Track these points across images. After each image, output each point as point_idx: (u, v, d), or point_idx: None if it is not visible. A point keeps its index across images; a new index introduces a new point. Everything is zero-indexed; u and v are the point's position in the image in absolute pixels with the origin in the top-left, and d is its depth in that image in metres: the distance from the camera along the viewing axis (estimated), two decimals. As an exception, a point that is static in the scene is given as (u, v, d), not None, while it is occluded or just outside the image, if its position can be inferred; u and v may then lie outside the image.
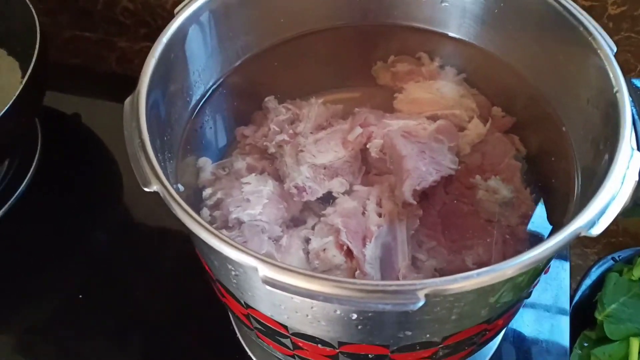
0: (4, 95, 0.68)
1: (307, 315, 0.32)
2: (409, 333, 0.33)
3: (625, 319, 0.57)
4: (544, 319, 0.52)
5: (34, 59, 0.61)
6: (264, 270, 0.28)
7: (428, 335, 0.33)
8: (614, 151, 0.32)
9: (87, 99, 0.82)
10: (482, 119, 0.48)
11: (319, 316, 0.32)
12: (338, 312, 0.31)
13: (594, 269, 0.63)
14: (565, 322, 0.51)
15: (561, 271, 0.55)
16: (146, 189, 0.31)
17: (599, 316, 0.57)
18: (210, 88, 0.47)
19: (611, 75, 0.36)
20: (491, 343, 0.51)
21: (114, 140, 0.74)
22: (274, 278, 0.27)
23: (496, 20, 0.46)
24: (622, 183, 0.30)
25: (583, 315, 0.59)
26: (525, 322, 0.52)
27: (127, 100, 0.36)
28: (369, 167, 0.46)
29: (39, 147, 0.73)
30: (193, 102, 0.45)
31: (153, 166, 0.32)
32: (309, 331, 0.34)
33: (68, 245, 0.63)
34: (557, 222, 0.43)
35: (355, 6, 0.50)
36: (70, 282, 0.60)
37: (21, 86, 0.60)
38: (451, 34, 0.50)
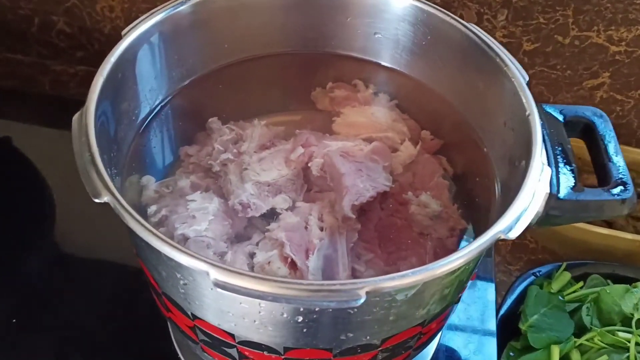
0: None
1: (255, 321, 0.34)
2: (351, 335, 0.35)
3: (546, 328, 0.61)
4: (473, 337, 0.57)
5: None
6: (215, 274, 0.29)
7: (368, 337, 0.36)
8: (527, 167, 0.36)
9: (18, 123, 0.81)
10: (413, 142, 0.52)
11: (266, 321, 0.34)
12: (285, 315, 0.32)
13: (516, 284, 0.67)
14: (492, 341, 0.57)
15: (488, 292, 0.61)
16: (97, 200, 0.32)
17: (522, 327, 0.62)
18: (156, 107, 0.48)
19: (524, 101, 0.41)
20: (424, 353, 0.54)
21: (46, 163, 0.73)
22: (226, 281, 0.29)
23: (424, 51, 0.51)
24: (535, 194, 0.35)
25: (509, 328, 0.64)
26: (456, 341, 0.57)
27: (75, 117, 0.37)
28: (310, 185, 0.48)
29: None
30: (139, 120, 0.47)
31: (103, 178, 0.33)
32: (256, 338, 0.36)
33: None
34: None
35: (295, 35, 0.53)
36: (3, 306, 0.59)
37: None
38: (384, 63, 0.54)
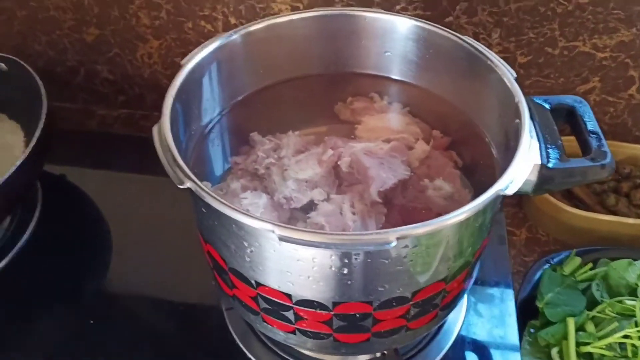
0: (7, 155, 0.75)
1: (309, 277, 0.42)
2: (387, 286, 0.42)
3: (561, 304, 0.67)
4: (494, 319, 0.65)
5: (39, 127, 0.67)
6: (279, 231, 0.37)
7: (400, 289, 0.43)
8: (519, 141, 0.45)
9: (71, 161, 0.90)
10: (425, 140, 0.60)
11: (318, 276, 0.41)
12: (332, 267, 0.40)
13: (532, 271, 0.74)
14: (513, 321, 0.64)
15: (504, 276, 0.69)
16: (181, 187, 0.41)
17: (539, 304, 0.68)
18: (208, 124, 0.58)
19: (513, 92, 0.49)
20: (448, 330, 0.61)
21: (101, 196, 0.83)
22: (288, 235, 0.37)
23: (428, 63, 0.60)
24: (525, 160, 0.43)
25: (528, 311, 0.70)
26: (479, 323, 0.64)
27: (154, 127, 0.46)
28: (341, 180, 0.56)
29: (38, 205, 0.79)
30: (197, 134, 0.56)
31: (183, 169, 0.42)
32: (309, 295, 0.43)
33: (63, 294, 0.70)
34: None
35: (317, 59, 0.63)
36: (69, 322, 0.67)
37: (28, 151, 0.65)
38: (394, 77, 0.63)
